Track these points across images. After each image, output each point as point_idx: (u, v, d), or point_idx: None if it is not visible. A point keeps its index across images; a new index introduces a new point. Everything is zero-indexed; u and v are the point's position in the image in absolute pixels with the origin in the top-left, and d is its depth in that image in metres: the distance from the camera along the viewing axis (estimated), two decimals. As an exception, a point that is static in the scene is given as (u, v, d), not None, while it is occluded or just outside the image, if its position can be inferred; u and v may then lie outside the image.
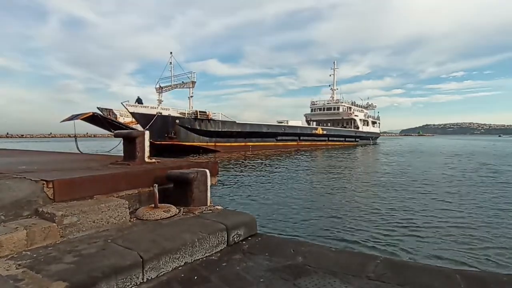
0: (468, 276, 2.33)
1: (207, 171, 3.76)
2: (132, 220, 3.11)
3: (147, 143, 4.34)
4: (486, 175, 14.85)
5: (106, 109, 25.70)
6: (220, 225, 2.97)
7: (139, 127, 25.23)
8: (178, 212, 3.34)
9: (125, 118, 27.16)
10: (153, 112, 27.42)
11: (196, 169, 3.79)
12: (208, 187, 3.73)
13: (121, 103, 25.76)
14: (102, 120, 24.69)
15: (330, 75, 62.28)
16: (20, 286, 1.73)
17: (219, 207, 3.64)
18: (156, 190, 3.30)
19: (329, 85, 62.83)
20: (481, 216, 7.50)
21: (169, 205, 3.41)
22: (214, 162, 4.56)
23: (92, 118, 24.32)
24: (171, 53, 34.04)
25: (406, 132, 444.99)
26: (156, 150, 28.62)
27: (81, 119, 23.54)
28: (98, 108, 25.04)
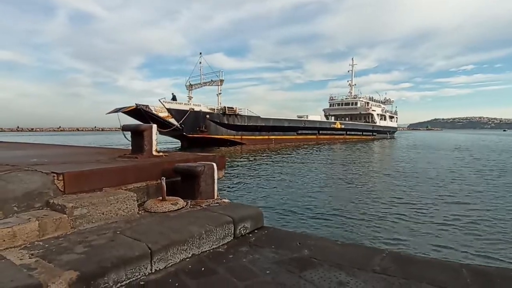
0: (474, 270, 2.33)
1: (214, 164, 3.79)
2: (140, 212, 3.16)
3: (154, 137, 4.38)
4: (496, 170, 14.67)
5: (142, 105, 27.67)
6: (227, 217, 3.00)
7: (174, 121, 28.40)
8: (186, 205, 3.38)
9: (158, 114, 29.33)
10: (186, 108, 29.95)
11: (203, 162, 3.82)
12: (215, 180, 3.76)
13: (159, 100, 28.53)
14: (144, 113, 27.16)
15: (348, 71, 65.77)
16: (34, 275, 1.78)
17: (226, 200, 3.67)
18: (163, 183, 3.34)
19: (347, 81, 66.03)
20: (490, 211, 7.44)
21: (176, 198, 3.45)
22: (221, 156, 4.58)
23: (135, 112, 26.88)
24: (200, 53, 36.60)
25: (414, 127, 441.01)
26: (188, 142, 30.27)
27: (124, 112, 26.24)
28: (136, 104, 27.11)
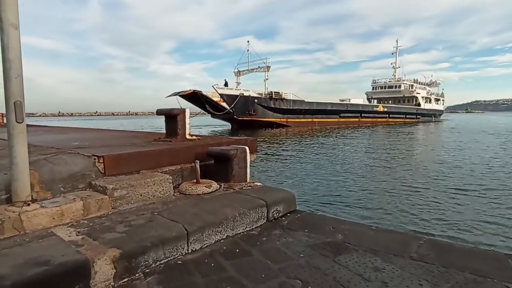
0: (522, 261, 2.20)
1: (247, 148, 3.81)
2: (175, 194, 3.26)
3: (187, 121, 4.45)
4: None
5: (196, 90, 30.31)
6: (260, 201, 3.02)
7: (225, 105, 31.28)
8: (219, 188, 3.44)
9: (213, 98, 32.03)
10: (237, 93, 32.66)
11: (236, 146, 3.85)
12: (248, 163, 3.78)
13: (212, 86, 31.48)
14: (201, 97, 30.11)
15: (392, 53, 64.43)
16: (81, 251, 1.91)
17: (259, 184, 3.69)
18: (198, 166, 3.41)
19: (391, 63, 65.09)
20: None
21: (210, 180, 3.52)
22: (253, 140, 4.59)
23: (191, 95, 29.75)
24: (248, 41, 39.22)
25: (452, 109, 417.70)
26: (238, 125, 32.98)
27: (181, 96, 29.16)
28: (192, 89, 29.77)
